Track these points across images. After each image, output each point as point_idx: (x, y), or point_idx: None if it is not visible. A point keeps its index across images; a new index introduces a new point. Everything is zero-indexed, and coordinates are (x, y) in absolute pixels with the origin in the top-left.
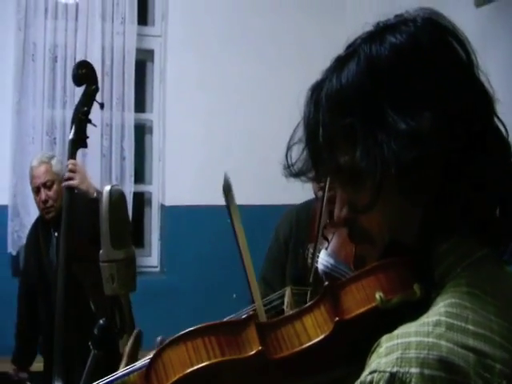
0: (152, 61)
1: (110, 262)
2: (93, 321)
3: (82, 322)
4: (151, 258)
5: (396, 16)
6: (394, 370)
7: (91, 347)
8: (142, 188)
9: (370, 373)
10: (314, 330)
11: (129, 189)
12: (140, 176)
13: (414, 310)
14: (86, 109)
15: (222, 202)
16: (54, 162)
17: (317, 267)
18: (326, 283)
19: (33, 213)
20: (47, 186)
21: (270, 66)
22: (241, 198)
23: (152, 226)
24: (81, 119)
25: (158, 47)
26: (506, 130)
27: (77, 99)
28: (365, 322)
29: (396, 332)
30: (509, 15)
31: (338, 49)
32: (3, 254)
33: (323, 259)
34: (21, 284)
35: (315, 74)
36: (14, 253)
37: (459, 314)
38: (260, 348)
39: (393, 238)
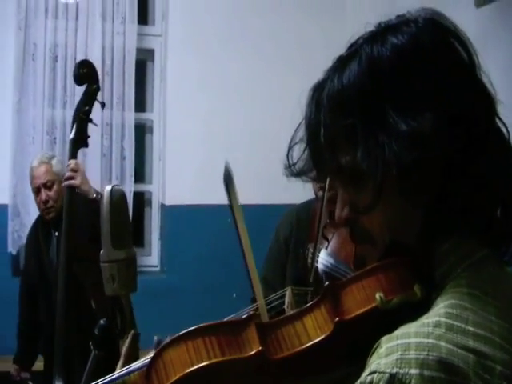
0: (152, 60)
1: (111, 262)
2: (93, 321)
3: (83, 322)
4: (151, 258)
5: (398, 16)
6: (394, 371)
7: (92, 347)
8: (142, 187)
9: (370, 373)
10: (314, 330)
11: (129, 188)
12: (140, 175)
13: (414, 310)
14: (87, 108)
15: (222, 201)
16: (54, 162)
17: (317, 267)
18: (327, 283)
19: (33, 212)
20: (47, 186)
21: (270, 66)
22: (241, 198)
23: (152, 225)
24: (82, 118)
25: (158, 47)
26: (507, 130)
27: (77, 99)
28: (365, 322)
29: (396, 333)
30: (509, 15)
31: (339, 48)
32: (3, 253)
33: (323, 259)
34: (21, 284)
35: (316, 73)
36: (14, 252)
37: (459, 315)
38: (260, 348)
39: (393, 238)
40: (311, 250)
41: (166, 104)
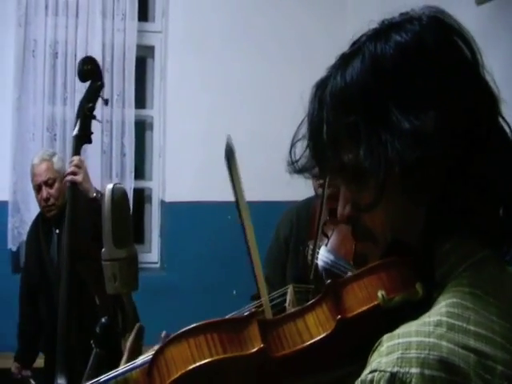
0: (152, 57)
1: (112, 260)
2: (95, 319)
3: (85, 320)
4: (151, 255)
5: (401, 14)
6: (395, 369)
7: (93, 346)
8: (142, 184)
9: (371, 372)
10: (315, 328)
11: (129, 185)
12: (140, 172)
13: (415, 309)
14: (91, 105)
15: (222, 198)
16: (55, 159)
17: (317, 264)
18: (329, 281)
19: (33, 209)
20: (48, 183)
21: (271, 63)
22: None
23: (152, 222)
24: (86, 115)
25: (158, 43)
26: (510, 130)
27: (77, 96)
28: (367, 320)
29: (397, 331)
30: (510, 13)
31: (341, 46)
32: (3, 250)
33: (323, 255)
34: (22, 282)
35: (317, 70)
36: (15, 249)
37: (460, 314)
38: (262, 345)
39: (395, 237)
40: (311, 247)
41: (166, 101)
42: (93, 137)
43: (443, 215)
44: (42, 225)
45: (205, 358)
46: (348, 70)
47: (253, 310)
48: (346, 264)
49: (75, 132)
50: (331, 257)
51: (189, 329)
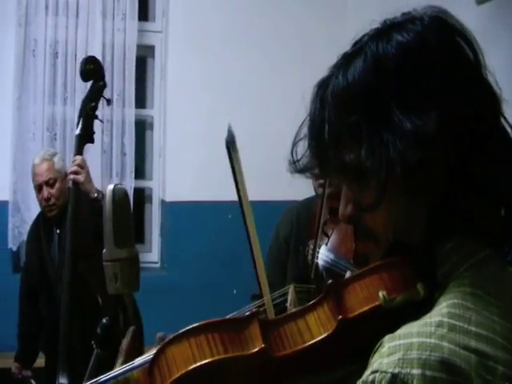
0: (153, 57)
1: (114, 261)
2: (97, 319)
3: (86, 320)
4: (151, 254)
5: (403, 14)
6: (396, 370)
7: (94, 346)
8: (142, 184)
9: (372, 372)
10: (317, 328)
11: (129, 185)
12: (140, 172)
13: (417, 309)
14: (93, 104)
15: (222, 198)
16: (56, 159)
17: (317, 263)
18: (330, 281)
19: (33, 209)
20: (49, 183)
21: (271, 63)
22: None
23: (152, 221)
24: (88, 114)
25: (158, 43)
26: None
27: (78, 95)
28: (368, 320)
29: (398, 332)
30: (509, 13)
31: (341, 46)
32: (4, 249)
33: (323, 254)
34: (22, 283)
35: (318, 70)
36: (15, 248)
37: (462, 315)
38: (263, 345)
39: (397, 237)
40: (311, 246)
41: (166, 100)
42: (93, 136)
43: (445, 215)
44: (42, 225)
45: (206, 358)
46: (350, 69)
47: (254, 309)
48: (346, 263)
49: (77, 131)
50: (331, 256)
51: (190, 328)
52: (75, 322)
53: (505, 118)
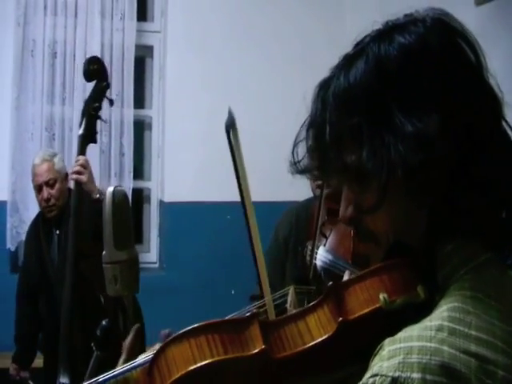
0: (151, 57)
1: (113, 263)
2: (98, 319)
3: (87, 320)
4: (150, 255)
5: (405, 15)
6: (396, 374)
7: (94, 348)
8: (140, 184)
9: (372, 376)
10: (317, 329)
11: (128, 185)
12: (139, 172)
13: (417, 311)
14: (96, 104)
15: (221, 198)
16: (56, 159)
17: (315, 264)
18: (330, 283)
19: (32, 209)
20: (50, 184)
21: (270, 63)
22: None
23: (151, 222)
24: (91, 115)
25: (157, 43)
26: None
27: (76, 95)
28: (368, 322)
29: (399, 335)
30: (509, 14)
31: (340, 45)
32: (2, 249)
33: (322, 255)
34: (21, 283)
35: (317, 69)
36: (13, 248)
37: (462, 318)
38: (263, 347)
39: (397, 238)
40: (310, 247)
41: (165, 101)
42: (96, 137)
43: (445, 217)
44: (42, 225)
45: (206, 359)
46: (351, 70)
47: (254, 310)
48: (344, 263)
49: (80, 131)
50: (330, 256)
51: (190, 329)
52: (76, 322)
53: (505, 121)
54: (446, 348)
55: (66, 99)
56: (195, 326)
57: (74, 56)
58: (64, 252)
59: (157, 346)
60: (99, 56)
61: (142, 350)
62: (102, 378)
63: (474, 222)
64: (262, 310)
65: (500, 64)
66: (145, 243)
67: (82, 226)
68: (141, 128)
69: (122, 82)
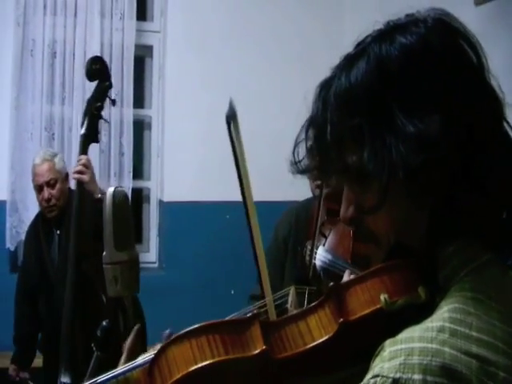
0: (151, 56)
1: (114, 264)
2: (98, 319)
3: (88, 320)
4: (149, 254)
5: (407, 15)
6: (397, 375)
7: (94, 349)
8: (140, 184)
9: (373, 377)
10: (318, 330)
11: (127, 185)
12: (138, 172)
13: (418, 312)
14: (99, 104)
15: (220, 198)
16: (57, 159)
17: (315, 264)
18: (331, 284)
19: (31, 208)
20: (50, 184)
21: (270, 62)
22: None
23: (150, 221)
24: (93, 114)
25: (156, 43)
26: None
27: (76, 95)
28: (369, 323)
29: (400, 336)
30: (508, 13)
31: (339, 45)
32: (1, 249)
33: (321, 255)
34: (20, 283)
35: (317, 69)
36: (13, 248)
37: (463, 320)
38: (264, 347)
39: (398, 239)
40: (309, 247)
41: (164, 100)
42: (98, 136)
43: (446, 218)
44: (42, 225)
45: (207, 360)
46: (353, 70)
47: (255, 311)
48: (344, 263)
49: (82, 131)
50: (329, 256)
51: (191, 329)
52: (77, 322)
53: (507, 122)
54: (447, 349)
55: (65, 99)
56: (196, 326)
57: (74, 56)
58: (65, 252)
59: (158, 346)
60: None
61: (143, 351)
62: (102, 377)
63: (474, 222)
64: (262, 310)
65: (500, 64)
66: (144, 243)
67: (83, 225)
68: (140, 128)
69: (121, 81)
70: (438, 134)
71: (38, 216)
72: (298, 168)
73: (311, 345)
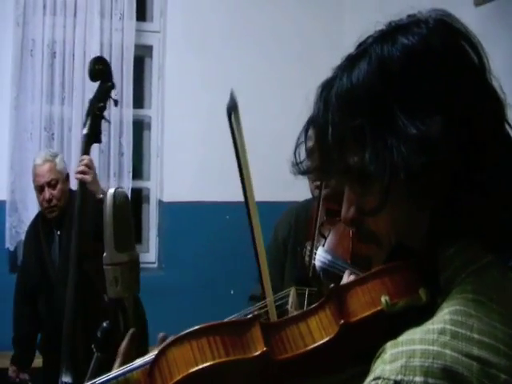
0: (150, 57)
1: (114, 265)
2: (100, 318)
3: (89, 320)
4: (149, 255)
5: (408, 16)
6: (399, 378)
7: (94, 350)
8: (140, 184)
9: (374, 379)
10: (318, 332)
11: (127, 185)
12: (138, 172)
13: (419, 314)
14: (101, 104)
15: (220, 198)
16: (57, 160)
17: (314, 264)
18: (332, 285)
19: (31, 208)
20: (52, 184)
21: (270, 62)
22: (241, 195)
23: (150, 222)
24: (96, 114)
25: (156, 43)
26: None
27: (75, 95)
28: (370, 325)
29: (401, 338)
30: (508, 14)
31: (339, 45)
32: (1, 249)
33: (321, 256)
34: (19, 283)
35: (316, 68)
36: (12, 248)
37: (464, 322)
38: (264, 349)
39: (399, 240)
40: (309, 247)
41: (164, 100)
42: (100, 136)
43: (447, 220)
44: (42, 226)
45: (207, 361)
46: (354, 71)
47: (256, 312)
48: (343, 263)
49: (85, 131)
50: (328, 257)
51: (191, 331)
52: (78, 322)
53: (509, 124)
54: (448, 351)
55: (65, 99)
56: (196, 327)
57: (73, 56)
58: (65, 253)
59: (155, 350)
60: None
61: (140, 354)
62: (103, 378)
63: (475, 223)
64: (263, 310)
65: (500, 65)
66: (144, 243)
67: (85, 226)
68: (140, 128)
69: (121, 81)
70: (440, 135)
71: (37, 216)
72: (299, 169)
73: (312, 346)
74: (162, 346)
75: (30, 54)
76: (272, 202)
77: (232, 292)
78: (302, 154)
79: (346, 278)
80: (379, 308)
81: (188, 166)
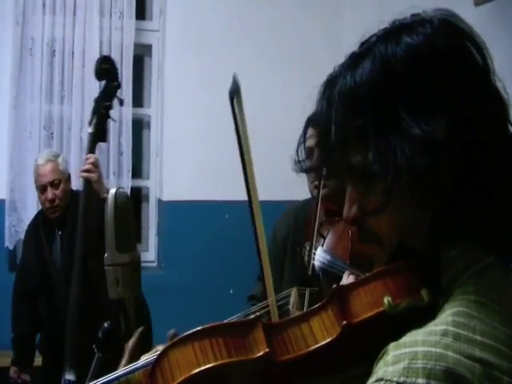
0: (150, 55)
1: (115, 265)
2: (102, 318)
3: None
4: (148, 254)
5: (413, 15)
6: (401, 379)
7: (95, 350)
8: (139, 183)
9: (377, 380)
10: (321, 332)
11: (126, 184)
12: (137, 171)
13: (421, 315)
14: (107, 104)
15: (219, 197)
16: (60, 160)
17: (314, 264)
18: (334, 286)
19: (30, 207)
20: (54, 184)
21: (269, 61)
22: (241, 194)
23: (149, 221)
24: (101, 114)
25: (155, 42)
26: None
27: (75, 94)
28: (372, 326)
29: (403, 340)
30: (508, 14)
31: (338, 44)
32: (0, 248)
33: (320, 256)
34: (18, 283)
35: (316, 68)
36: (11, 247)
37: (466, 323)
38: (267, 350)
39: (401, 241)
40: (308, 248)
41: (163, 99)
42: (106, 135)
43: (449, 221)
44: (42, 226)
45: (209, 363)
46: (358, 70)
47: (257, 312)
48: (342, 264)
49: (90, 130)
50: (328, 257)
51: (193, 332)
52: (81, 321)
53: (511, 124)
54: (450, 353)
55: (64, 98)
56: (198, 328)
57: (73, 54)
58: (68, 252)
59: (160, 347)
60: (98, 54)
61: (144, 353)
62: (104, 379)
63: (477, 224)
64: (263, 311)
65: (499, 64)
66: (143, 242)
67: (89, 225)
68: (139, 127)
69: (120, 80)
70: (444, 136)
71: (37, 215)
72: (301, 167)
73: (314, 347)
74: (164, 347)
75: (30, 52)
76: (272, 201)
77: (231, 291)
78: (304, 152)
79: (346, 279)
80: (382, 309)
81: (187, 165)
